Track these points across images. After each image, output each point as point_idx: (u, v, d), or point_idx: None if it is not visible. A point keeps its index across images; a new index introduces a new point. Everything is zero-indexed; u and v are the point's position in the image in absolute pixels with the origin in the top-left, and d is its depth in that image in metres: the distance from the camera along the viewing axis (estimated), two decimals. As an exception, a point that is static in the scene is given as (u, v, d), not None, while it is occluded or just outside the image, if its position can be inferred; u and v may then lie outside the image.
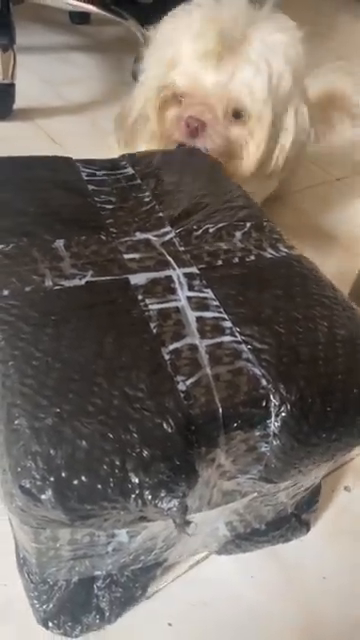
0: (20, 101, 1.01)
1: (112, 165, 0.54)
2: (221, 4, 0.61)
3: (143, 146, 0.67)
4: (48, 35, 1.42)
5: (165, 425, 0.31)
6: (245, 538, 0.45)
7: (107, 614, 0.41)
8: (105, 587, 0.41)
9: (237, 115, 0.61)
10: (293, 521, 0.47)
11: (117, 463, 0.29)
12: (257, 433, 0.34)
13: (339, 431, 0.35)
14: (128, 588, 0.41)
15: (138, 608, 0.43)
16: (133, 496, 0.29)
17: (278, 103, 0.61)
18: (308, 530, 0.50)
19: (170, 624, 0.43)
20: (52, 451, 0.29)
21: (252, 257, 0.44)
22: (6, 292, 0.37)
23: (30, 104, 1.08)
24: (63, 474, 0.28)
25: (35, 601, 0.40)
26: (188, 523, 0.31)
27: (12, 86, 0.97)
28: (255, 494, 0.40)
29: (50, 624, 0.40)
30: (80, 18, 1.51)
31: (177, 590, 0.45)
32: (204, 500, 0.37)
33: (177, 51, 0.62)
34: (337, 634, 0.45)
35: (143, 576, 0.42)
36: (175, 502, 0.30)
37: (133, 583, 0.42)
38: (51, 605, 0.40)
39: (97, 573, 0.41)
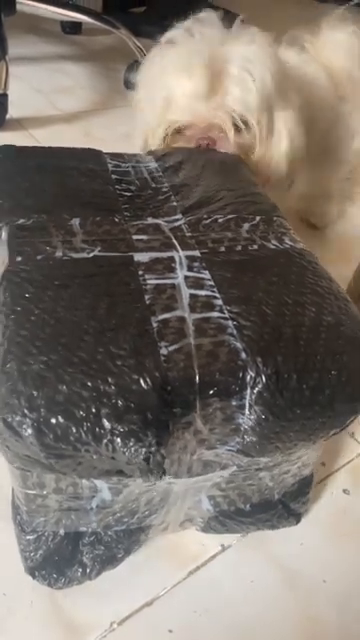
0: (13, 111, 1.04)
1: (138, 159, 0.57)
2: (198, 37, 0.65)
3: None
4: (40, 45, 1.46)
5: (142, 381, 0.33)
6: (229, 516, 0.47)
7: (89, 570, 0.43)
8: (89, 544, 0.43)
9: (240, 126, 0.65)
10: (280, 508, 0.48)
11: (92, 409, 0.32)
12: (233, 403, 0.36)
13: (314, 410, 0.37)
14: (111, 548, 0.44)
15: (138, 615, 0.43)
16: (105, 441, 0.32)
17: (268, 106, 0.65)
18: (298, 521, 0.51)
19: (171, 630, 0.43)
20: (35, 392, 0.32)
21: (255, 246, 0.46)
22: (19, 258, 0.40)
23: (23, 114, 1.10)
24: (42, 413, 0.31)
25: (24, 550, 0.43)
26: (157, 475, 0.33)
27: (5, 96, 0.99)
28: (235, 467, 0.41)
29: (36, 574, 0.43)
30: (72, 28, 1.54)
31: (177, 596, 0.45)
32: (183, 466, 0.39)
33: (169, 92, 0.65)
34: (338, 638, 0.45)
35: (126, 539, 0.44)
36: (142, 451, 0.32)
37: (116, 544, 0.44)
38: (38, 555, 0.43)
39: (83, 529, 0.43)
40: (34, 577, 0.44)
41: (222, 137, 0.64)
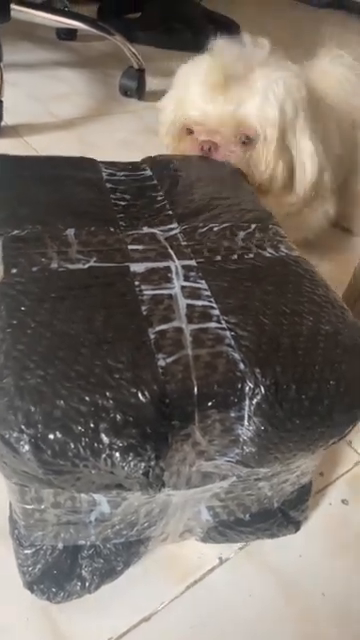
0: (8, 118, 1.03)
1: (133, 167, 0.57)
2: (227, 48, 0.67)
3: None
4: (35, 52, 1.45)
5: (140, 395, 0.33)
6: (229, 526, 0.46)
7: (88, 583, 0.43)
8: (88, 557, 0.43)
9: (247, 139, 0.66)
10: (279, 517, 0.48)
11: (90, 424, 0.32)
12: (232, 414, 0.36)
13: (313, 420, 0.37)
14: (110, 561, 0.43)
15: (136, 630, 0.43)
16: (103, 456, 0.32)
17: (284, 126, 0.66)
18: (297, 529, 0.50)
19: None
20: (32, 407, 0.31)
21: (251, 255, 0.46)
22: (14, 270, 0.40)
23: (18, 121, 1.09)
24: (40, 429, 0.31)
25: (22, 564, 0.43)
26: (156, 488, 0.33)
27: (0, 103, 0.99)
28: (234, 478, 0.41)
29: (35, 588, 0.43)
30: (67, 34, 1.54)
31: (175, 611, 0.45)
32: (182, 478, 0.39)
33: (187, 90, 0.68)
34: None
35: (125, 551, 0.44)
36: (142, 466, 0.32)
37: (115, 557, 0.43)
38: (37, 569, 0.43)
39: (81, 542, 0.43)
40: (32, 591, 0.43)
41: (223, 143, 0.64)
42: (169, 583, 0.46)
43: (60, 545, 0.42)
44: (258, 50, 0.68)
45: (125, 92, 1.30)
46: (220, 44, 0.68)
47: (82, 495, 0.38)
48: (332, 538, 0.52)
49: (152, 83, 1.31)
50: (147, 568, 0.47)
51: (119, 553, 0.44)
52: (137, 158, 0.60)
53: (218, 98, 0.64)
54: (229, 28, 1.71)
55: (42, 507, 0.39)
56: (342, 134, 0.78)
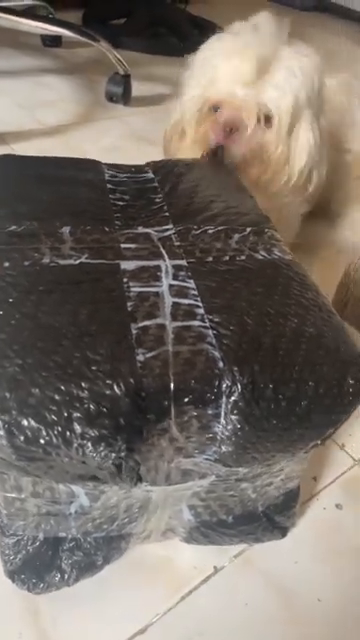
0: None
1: (136, 169, 0.58)
2: (254, 32, 0.67)
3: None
4: (21, 58, 1.45)
5: (115, 387, 0.33)
6: (211, 528, 0.46)
7: (67, 576, 0.43)
8: (68, 550, 0.44)
9: (268, 121, 0.68)
10: (264, 521, 0.48)
11: (64, 413, 0.32)
12: (209, 411, 0.36)
13: (291, 421, 0.37)
14: (90, 555, 0.44)
15: None
16: (75, 445, 0.32)
17: (296, 115, 0.68)
18: (284, 535, 0.50)
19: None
20: (7, 394, 0.32)
21: (242, 257, 0.46)
22: (7, 264, 0.41)
23: (5, 128, 1.10)
24: (14, 415, 0.32)
25: (4, 552, 0.43)
26: (129, 481, 0.33)
27: None
28: (214, 477, 0.41)
29: (16, 577, 0.44)
30: (52, 41, 1.55)
31: (170, 623, 0.44)
32: (161, 474, 0.39)
33: (215, 72, 0.69)
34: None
35: (106, 546, 0.44)
36: (112, 456, 0.32)
37: (95, 551, 0.44)
38: (18, 559, 0.43)
39: (62, 535, 0.43)
40: (13, 581, 0.44)
41: (245, 125, 0.66)
42: (163, 594, 0.46)
43: (41, 536, 0.43)
44: (280, 32, 0.69)
45: (111, 98, 1.31)
46: (239, 26, 0.69)
47: (60, 486, 0.38)
48: (327, 544, 0.52)
49: (138, 89, 1.33)
50: (141, 577, 0.47)
51: (99, 547, 0.44)
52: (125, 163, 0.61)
53: (246, 83, 0.66)
54: (214, 33, 1.73)
55: (22, 496, 0.39)
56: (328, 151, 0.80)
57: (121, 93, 1.30)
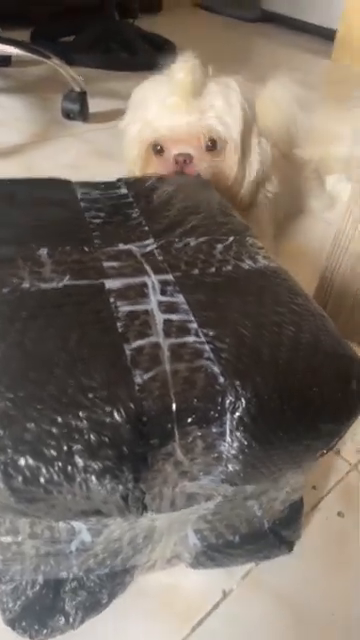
0: None
1: (107, 186, 0.57)
2: (180, 75, 0.67)
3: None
4: None
5: (115, 413, 0.31)
6: (218, 550, 0.44)
7: (72, 619, 0.41)
8: (71, 590, 0.41)
9: (214, 145, 0.68)
10: (271, 537, 0.46)
11: (63, 447, 0.30)
12: (214, 430, 0.34)
13: (297, 430, 0.35)
14: (94, 593, 0.41)
15: None
16: (78, 480, 0.30)
17: (243, 132, 0.69)
18: (290, 550, 0.48)
19: None
20: (0, 432, 0.30)
21: (229, 267, 0.45)
22: (-16, 292, 0.39)
23: None
24: (10, 454, 0.29)
25: (1, 600, 0.40)
26: (136, 512, 0.31)
27: None
28: (220, 498, 0.39)
29: (16, 625, 0.41)
30: (1, 60, 1.53)
31: None
32: (166, 500, 0.37)
33: (150, 109, 0.69)
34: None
35: (110, 582, 0.42)
36: (119, 489, 0.30)
37: (99, 588, 0.41)
38: (17, 605, 0.40)
39: (63, 575, 0.41)
40: (14, 629, 0.41)
41: (196, 153, 0.66)
42: (173, 627, 0.43)
43: (40, 579, 0.40)
44: (205, 68, 0.70)
45: (68, 115, 1.30)
46: (172, 65, 0.69)
47: (60, 524, 0.36)
48: (334, 555, 0.50)
49: (94, 104, 1.32)
50: (147, 610, 0.44)
51: (103, 584, 0.41)
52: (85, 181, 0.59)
53: (183, 111, 0.66)
54: (165, 47, 1.75)
55: (19, 539, 0.37)
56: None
57: (78, 110, 1.28)
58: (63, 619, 0.40)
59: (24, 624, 0.40)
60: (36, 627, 0.40)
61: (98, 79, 1.55)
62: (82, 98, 1.28)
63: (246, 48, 2.15)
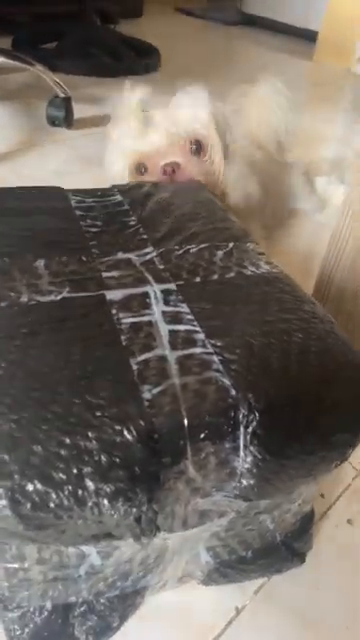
0: None
1: (102, 193, 0.55)
2: (128, 104, 0.70)
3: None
4: None
5: (126, 432, 0.30)
6: (230, 566, 0.43)
7: (82, 644, 0.39)
8: (80, 615, 0.39)
9: (199, 146, 0.68)
10: (283, 550, 0.45)
11: (73, 470, 0.29)
12: (227, 445, 0.33)
13: (312, 442, 0.34)
14: (104, 617, 0.40)
15: None
16: (89, 504, 0.29)
17: (221, 124, 0.69)
18: (302, 561, 0.47)
19: None
20: (6, 456, 0.28)
21: (232, 274, 0.44)
22: (-19, 307, 0.37)
23: None
24: (17, 479, 0.28)
25: (8, 629, 0.39)
26: (150, 535, 0.30)
27: None
28: (233, 514, 0.38)
29: (24, 655, 0.39)
30: None
31: None
32: (178, 520, 0.36)
33: (125, 140, 0.70)
34: None
35: (121, 605, 0.40)
36: (133, 511, 0.29)
37: (110, 612, 0.40)
38: (25, 633, 0.39)
39: (72, 599, 0.39)
40: (22, 659, 0.39)
41: (183, 159, 0.64)
42: None
43: (49, 605, 0.39)
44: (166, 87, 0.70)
45: (53, 122, 1.28)
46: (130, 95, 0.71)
47: (69, 548, 0.34)
48: (346, 564, 0.49)
49: (79, 111, 1.30)
50: (160, 632, 0.43)
51: (114, 607, 0.40)
52: (74, 187, 0.58)
53: (156, 127, 0.67)
54: (148, 52, 1.74)
55: (26, 565, 0.35)
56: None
57: (63, 116, 1.27)
58: (73, 646, 0.39)
59: (32, 652, 0.39)
60: (45, 655, 0.39)
61: (81, 85, 1.54)
62: (67, 104, 1.27)
63: (228, 51, 2.15)
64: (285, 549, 0.45)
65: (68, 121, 1.28)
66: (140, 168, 0.68)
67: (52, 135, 1.27)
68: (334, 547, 0.50)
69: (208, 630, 0.43)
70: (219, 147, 0.67)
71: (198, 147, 0.67)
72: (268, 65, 2.03)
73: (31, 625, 0.39)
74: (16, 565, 0.35)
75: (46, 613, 0.39)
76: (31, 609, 0.38)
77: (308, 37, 2.28)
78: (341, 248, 0.71)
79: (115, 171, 0.71)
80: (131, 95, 0.67)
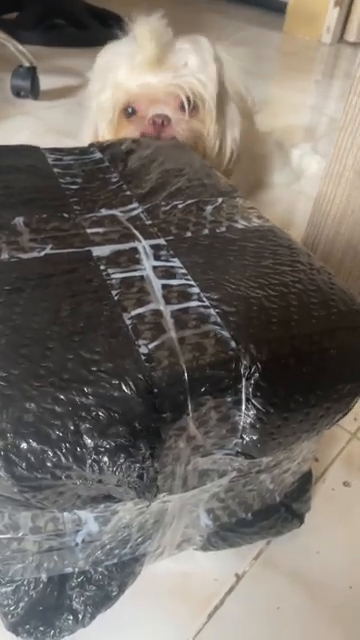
0: None
1: (80, 151, 0.52)
2: (146, 27, 0.63)
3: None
4: None
5: (124, 387, 0.28)
6: (230, 529, 0.42)
7: (80, 616, 0.37)
8: (78, 586, 0.38)
9: (191, 105, 0.64)
10: (283, 511, 0.44)
11: (70, 426, 0.27)
12: (228, 399, 0.31)
13: (317, 394, 0.33)
14: (103, 586, 0.38)
15: None
16: (89, 462, 0.27)
17: (219, 92, 0.65)
18: (302, 522, 0.46)
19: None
20: (-3, 415, 0.26)
21: (223, 228, 0.42)
22: None
23: None
24: (10, 438, 0.26)
25: (2, 604, 0.37)
26: (153, 493, 0.28)
27: None
28: (234, 473, 0.37)
29: (20, 630, 0.37)
30: None
31: (209, 634, 0.40)
32: (178, 480, 0.34)
33: (121, 71, 0.64)
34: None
35: (119, 573, 0.39)
36: (136, 467, 0.27)
37: (108, 580, 0.38)
38: (20, 608, 0.37)
39: (68, 570, 0.37)
40: (17, 634, 0.37)
41: (174, 114, 0.62)
42: (188, 615, 0.41)
43: (44, 576, 0.37)
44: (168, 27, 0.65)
45: (18, 93, 1.23)
46: (137, 29, 0.65)
47: (65, 514, 0.33)
48: (344, 526, 0.49)
49: (44, 82, 1.25)
50: (160, 601, 0.42)
51: (112, 576, 0.38)
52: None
53: (155, 68, 0.62)
54: (113, 21, 1.68)
55: (19, 535, 0.33)
56: None
57: (29, 87, 1.21)
58: (71, 617, 0.37)
59: (28, 627, 0.37)
60: (42, 629, 0.37)
61: (46, 56, 1.47)
62: (32, 74, 1.22)
63: (198, 24, 2.10)
64: (284, 510, 0.44)
65: (34, 92, 1.23)
66: (128, 109, 0.64)
67: (18, 107, 1.21)
68: (332, 510, 0.50)
69: (208, 599, 0.42)
70: (214, 108, 0.64)
71: (194, 106, 0.63)
72: (238, 37, 1.99)
73: (26, 599, 0.37)
74: (9, 535, 0.33)
75: (41, 585, 0.37)
76: (25, 582, 0.37)
77: (278, 9, 2.24)
78: (325, 212, 0.69)
79: (101, 101, 0.66)
80: (153, 28, 0.61)
